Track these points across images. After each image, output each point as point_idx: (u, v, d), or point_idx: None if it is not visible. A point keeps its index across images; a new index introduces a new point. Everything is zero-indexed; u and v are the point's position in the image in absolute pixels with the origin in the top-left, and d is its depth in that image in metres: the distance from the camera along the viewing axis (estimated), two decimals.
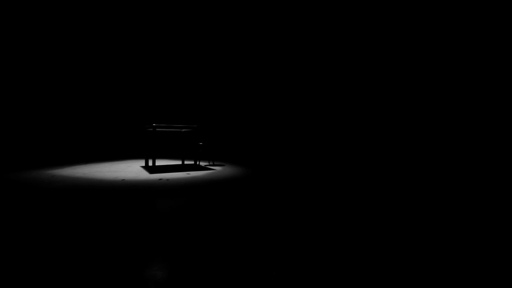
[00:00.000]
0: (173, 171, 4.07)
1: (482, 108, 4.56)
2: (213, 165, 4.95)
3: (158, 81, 8.00)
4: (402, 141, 5.56)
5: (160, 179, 3.39)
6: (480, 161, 4.52)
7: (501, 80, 4.39)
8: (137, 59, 7.76)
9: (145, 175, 3.74)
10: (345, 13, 6.33)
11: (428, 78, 5.21)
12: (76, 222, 1.75)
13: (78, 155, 6.50)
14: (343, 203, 2.34)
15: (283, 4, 7.18)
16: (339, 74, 6.57)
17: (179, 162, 5.39)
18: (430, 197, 2.63)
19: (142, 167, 4.60)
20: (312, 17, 6.89)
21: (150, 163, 4.79)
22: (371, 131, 6.09)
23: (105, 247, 1.37)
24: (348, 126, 6.44)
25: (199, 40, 7.96)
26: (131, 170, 4.22)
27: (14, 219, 1.78)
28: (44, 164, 4.60)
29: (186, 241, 1.47)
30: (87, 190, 2.69)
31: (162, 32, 7.78)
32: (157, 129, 4.21)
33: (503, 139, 4.32)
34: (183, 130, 4.60)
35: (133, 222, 1.77)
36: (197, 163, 4.99)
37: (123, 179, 3.35)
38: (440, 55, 5.04)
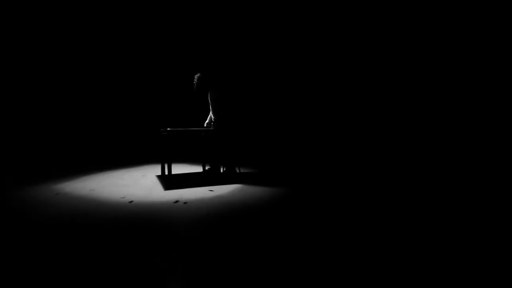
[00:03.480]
0: (193, 186, 3.41)
1: (482, 108, 4.39)
2: (240, 173, 4.23)
3: (171, 82, 7.34)
4: (417, 142, 5.17)
5: (176, 201, 2.73)
6: (480, 161, 4.31)
7: (501, 80, 4.19)
8: (149, 59, 7.15)
9: (158, 192, 3.11)
10: (352, 14, 5.81)
11: (428, 77, 5.01)
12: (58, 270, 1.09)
13: (96, 159, 6.11)
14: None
15: (293, 5, 6.30)
16: (349, 74, 6.08)
17: (199, 169, 4.75)
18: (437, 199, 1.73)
19: (158, 177, 4.00)
20: (321, 18, 6.21)
21: (166, 172, 4.14)
22: (381, 131, 5.70)
23: None
24: (360, 126, 5.94)
25: (203, 41, 7.12)
26: (144, 183, 3.63)
27: None
28: (57, 174, 4.13)
29: None
30: (82, 225, 2.06)
31: (169, 34, 7.03)
32: (173, 133, 3.56)
33: (503, 139, 4.13)
34: (202, 133, 3.91)
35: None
36: (222, 169, 4.28)
37: (131, 201, 2.73)
38: (440, 55, 4.84)
